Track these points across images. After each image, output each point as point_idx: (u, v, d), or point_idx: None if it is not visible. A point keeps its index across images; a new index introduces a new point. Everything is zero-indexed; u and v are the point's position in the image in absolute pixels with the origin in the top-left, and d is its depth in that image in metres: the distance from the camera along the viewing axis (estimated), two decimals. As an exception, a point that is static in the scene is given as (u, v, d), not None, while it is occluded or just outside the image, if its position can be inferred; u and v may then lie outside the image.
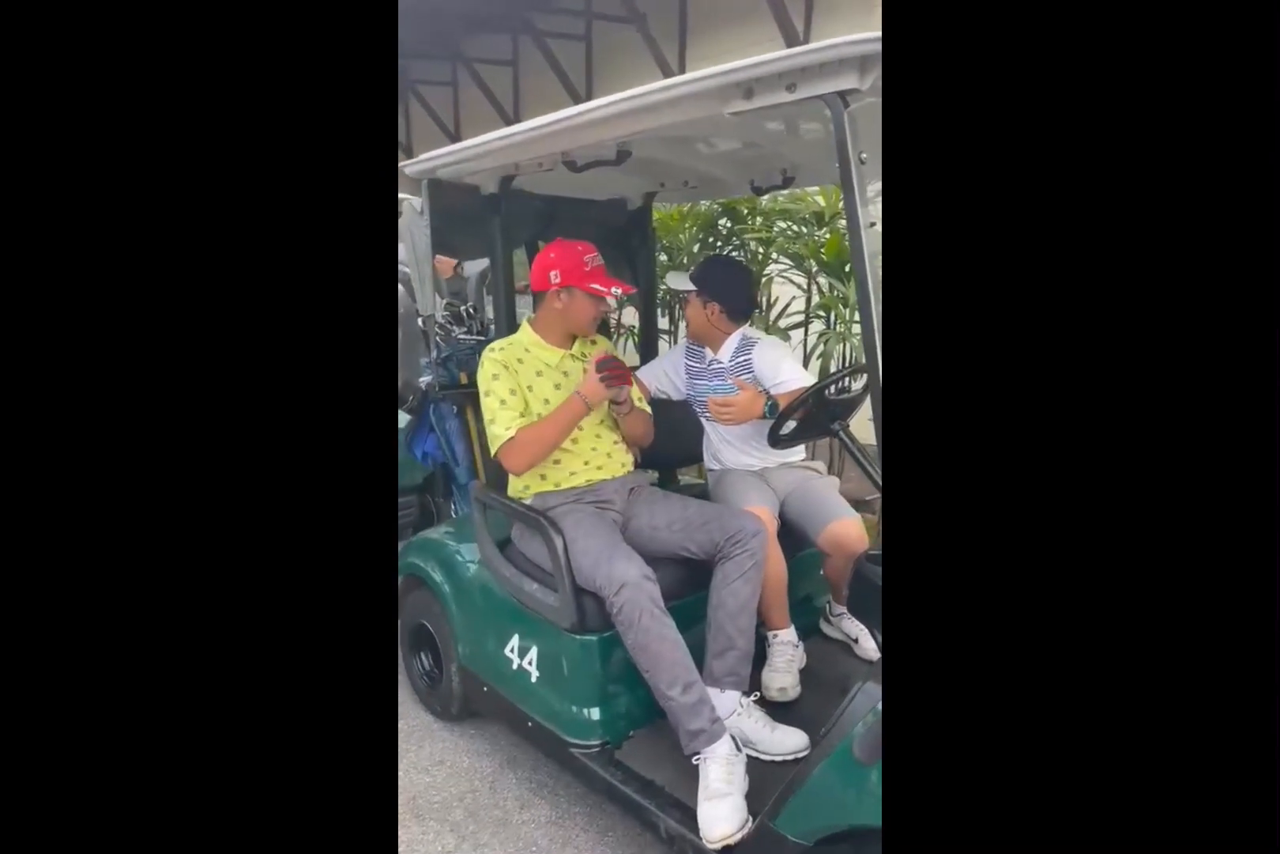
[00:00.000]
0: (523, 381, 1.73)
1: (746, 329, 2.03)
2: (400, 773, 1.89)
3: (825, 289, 3.06)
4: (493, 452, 1.71)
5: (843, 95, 1.01)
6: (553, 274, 1.71)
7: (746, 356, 1.97)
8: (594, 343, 1.90)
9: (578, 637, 1.60)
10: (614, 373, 1.64)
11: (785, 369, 1.89)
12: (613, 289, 1.69)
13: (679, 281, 2.04)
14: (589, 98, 7.58)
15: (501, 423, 1.67)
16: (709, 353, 2.04)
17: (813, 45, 1.00)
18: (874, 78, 0.99)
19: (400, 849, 1.64)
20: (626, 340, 3.73)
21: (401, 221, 2.00)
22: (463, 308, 2.35)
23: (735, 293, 1.99)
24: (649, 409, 1.93)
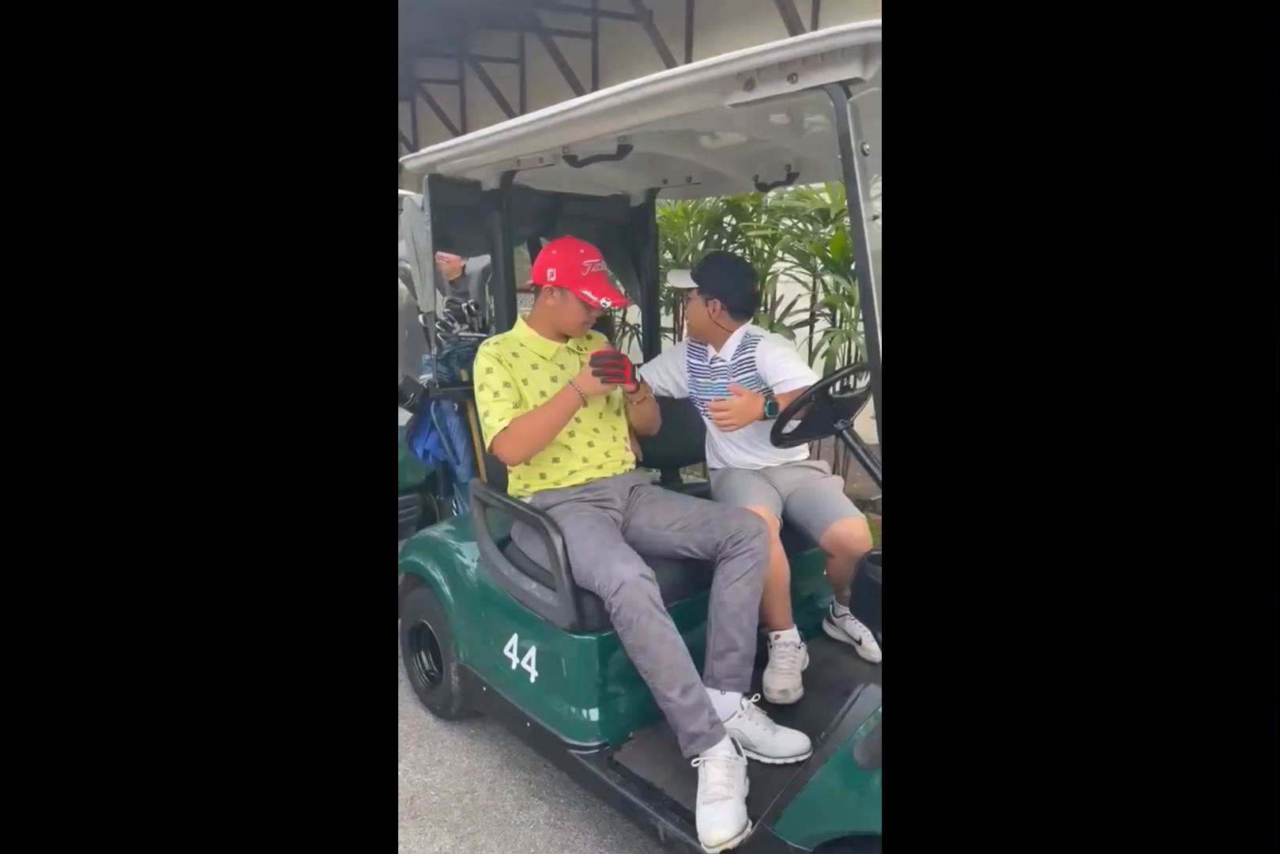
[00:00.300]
0: (517, 375, 1.73)
1: (749, 327, 2.00)
2: (399, 772, 1.88)
3: (830, 287, 3.04)
4: (487, 443, 1.70)
5: (845, 85, 0.99)
6: (550, 272, 1.71)
7: (749, 355, 1.95)
8: (590, 338, 1.89)
9: (576, 637, 1.59)
10: (609, 368, 1.63)
11: (788, 367, 1.87)
12: (602, 301, 1.67)
13: (680, 279, 2.02)
14: (595, 96, 7.57)
15: (495, 414, 1.67)
16: (711, 351, 2.02)
17: (814, 34, 0.97)
18: (877, 67, 0.97)
19: (397, 849, 1.63)
20: (630, 338, 3.72)
21: (402, 218, 1.99)
22: (464, 305, 2.33)
23: (736, 290, 1.97)
24: (653, 398, 1.93)
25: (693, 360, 2.07)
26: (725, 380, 1.96)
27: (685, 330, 2.20)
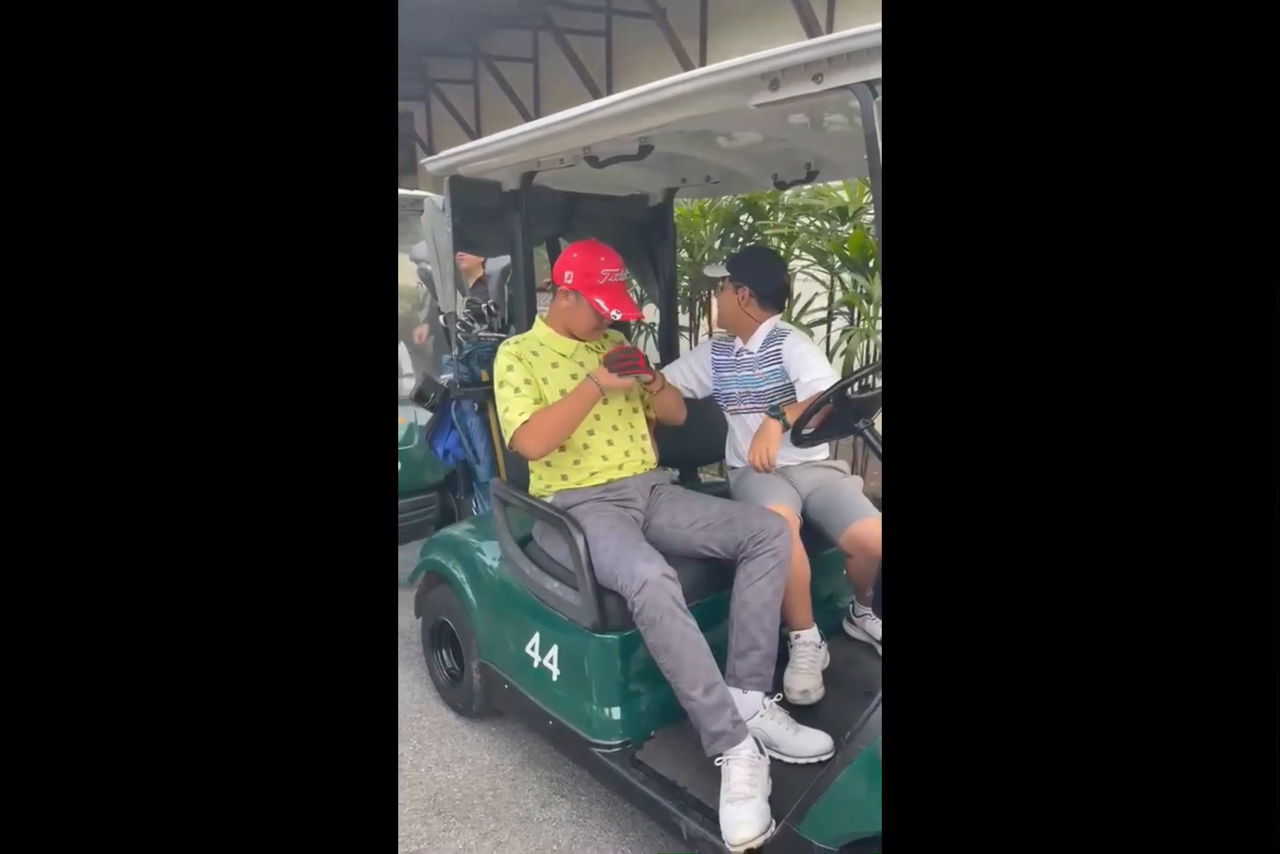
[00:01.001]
0: (538, 374, 1.74)
1: (778, 321, 2.02)
2: (422, 769, 1.90)
3: (849, 285, 3.02)
4: (507, 438, 1.71)
5: (871, 85, 0.99)
6: (567, 274, 1.72)
7: (777, 347, 1.96)
8: (607, 337, 1.91)
9: (599, 636, 1.59)
10: (622, 361, 1.65)
11: (814, 364, 1.87)
12: (613, 312, 1.68)
13: (714, 270, 2.06)
14: (609, 94, 7.59)
15: (516, 409, 1.68)
16: (738, 343, 2.03)
17: (840, 34, 0.97)
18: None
19: (422, 845, 1.64)
20: (646, 337, 3.72)
21: (424, 219, 2.00)
22: (484, 305, 2.34)
23: (767, 278, 1.99)
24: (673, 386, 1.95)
25: (717, 357, 2.07)
26: (751, 372, 1.97)
27: (714, 321, 2.22)
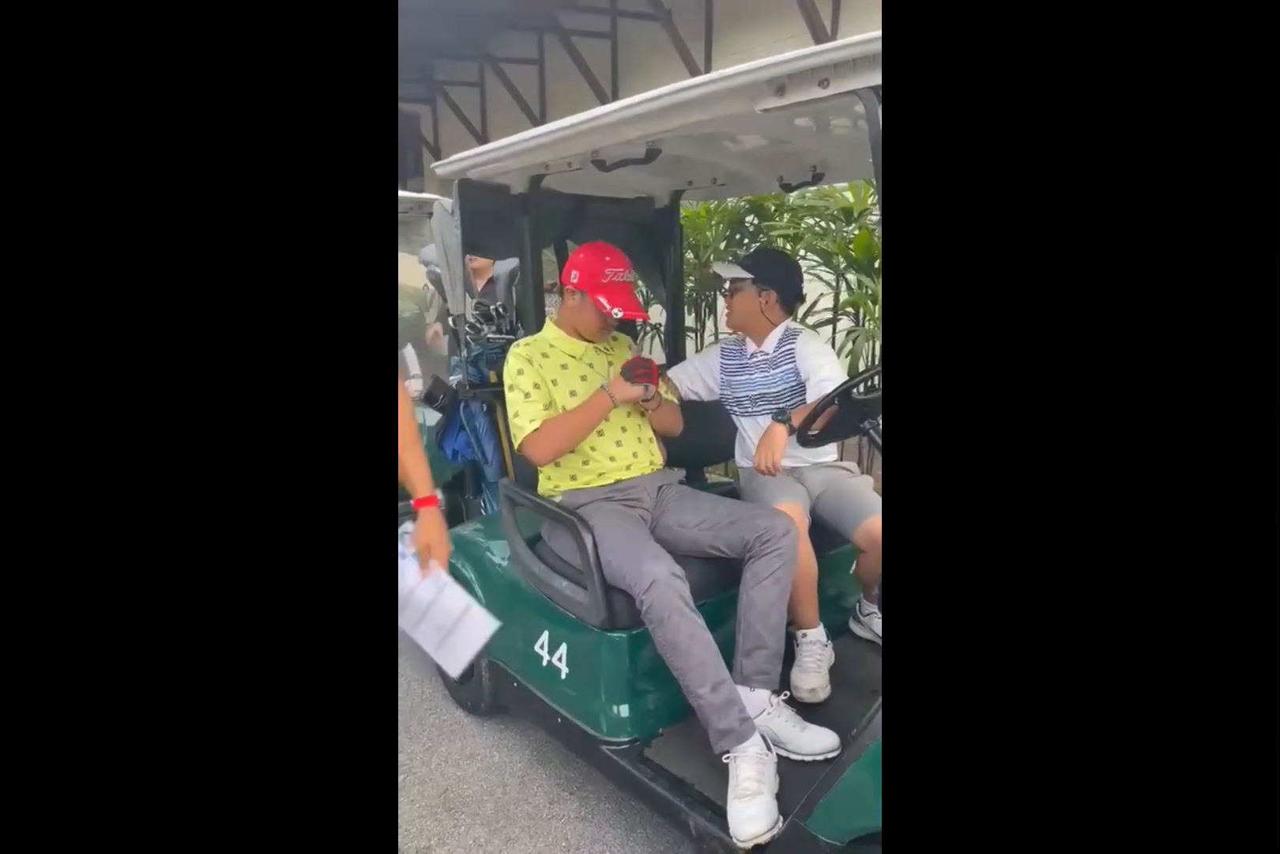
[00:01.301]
0: (547, 376, 1.76)
1: (790, 322, 2.03)
2: (432, 766, 1.92)
3: (854, 286, 3.04)
4: (515, 444, 1.73)
5: (877, 89, 1.01)
6: (574, 274, 1.75)
7: (790, 346, 1.97)
8: (615, 338, 1.92)
9: (607, 634, 1.61)
10: (638, 369, 1.68)
11: (826, 364, 1.88)
12: (614, 310, 1.70)
13: (731, 270, 2.03)
14: (615, 97, 7.62)
15: (525, 415, 1.70)
16: (750, 346, 2.04)
17: (846, 40, 0.99)
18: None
19: (431, 842, 1.66)
20: (652, 338, 3.74)
21: (432, 222, 2.03)
22: (492, 307, 2.36)
23: (790, 282, 2.01)
24: (675, 399, 1.97)
25: (726, 361, 2.08)
26: (765, 374, 1.98)
27: (726, 322, 2.21)
